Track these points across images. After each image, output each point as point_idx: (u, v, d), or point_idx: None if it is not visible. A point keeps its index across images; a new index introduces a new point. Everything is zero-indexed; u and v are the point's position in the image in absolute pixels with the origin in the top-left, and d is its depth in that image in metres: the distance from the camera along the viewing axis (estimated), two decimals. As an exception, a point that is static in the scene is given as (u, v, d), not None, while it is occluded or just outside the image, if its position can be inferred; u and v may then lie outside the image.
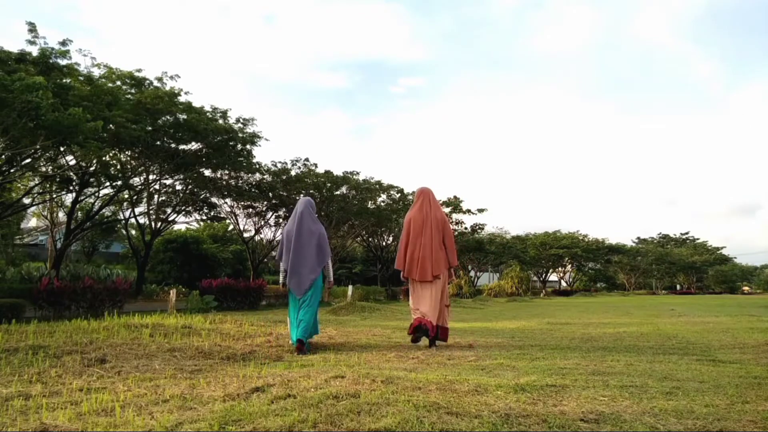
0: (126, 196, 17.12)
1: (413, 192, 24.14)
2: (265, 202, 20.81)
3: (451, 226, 5.96)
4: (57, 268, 14.16)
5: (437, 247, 5.27)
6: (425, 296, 5.21)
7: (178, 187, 18.25)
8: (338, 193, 21.27)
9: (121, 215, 19.51)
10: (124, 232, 21.76)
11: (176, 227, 23.82)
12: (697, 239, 58.54)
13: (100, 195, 16.54)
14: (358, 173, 21.55)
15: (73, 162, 13.76)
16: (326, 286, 5.45)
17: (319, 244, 5.19)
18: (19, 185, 15.17)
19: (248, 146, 16.24)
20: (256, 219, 21.84)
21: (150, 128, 13.30)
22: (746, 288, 54.38)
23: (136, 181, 16.49)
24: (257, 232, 22.36)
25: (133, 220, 19.64)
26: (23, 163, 12.02)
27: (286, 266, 5.15)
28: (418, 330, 5.05)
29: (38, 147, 10.55)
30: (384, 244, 25.78)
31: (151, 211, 18.53)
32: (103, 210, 17.56)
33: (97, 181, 14.89)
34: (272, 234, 22.78)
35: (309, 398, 2.64)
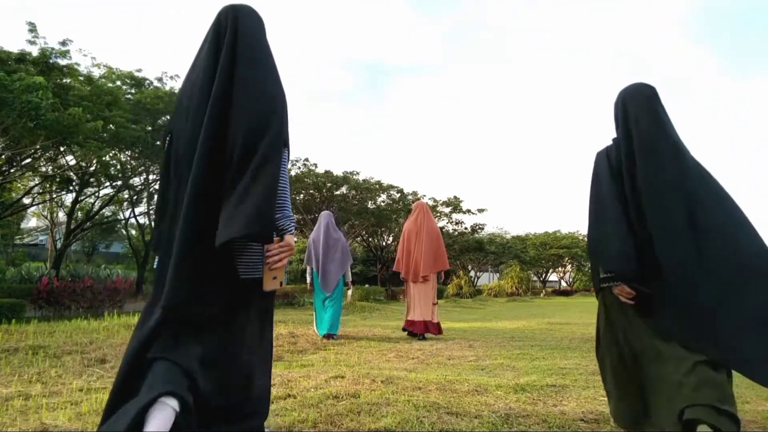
0: (126, 196, 17.12)
1: (413, 192, 24.32)
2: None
3: (443, 233, 7.10)
4: (57, 268, 14.15)
5: (428, 253, 6.17)
6: (417, 295, 6.13)
7: (178, 188, 18.25)
8: (338, 193, 21.27)
9: (121, 215, 19.50)
10: (124, 232, 21.74)
11: (176, 227, 23.79)
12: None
13: (100, 195, 16.53)
14: (358, 173, 21.57)
15: (73, 162, 13.75)
16: (346, 288, 6.48)
17: (343, 251, 6.25)
18: (19, 185, 15.17)
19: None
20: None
21: (150, 128, 13.29)
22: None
23: (136, 181, 16.47)
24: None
25: (133, 220, 19.62)
26: (23, 163, 12.01)
27: (315, 268, 6.15)
28: (416, 333, 6.03)
29: (38, 147, 10.55)
30: (384, 244, 25.75)
31: (151, 211, 18.53)
32: (103, 210, 17.55)
33: (97, 181, 14.88)
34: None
35: (309, 398, 2.64)
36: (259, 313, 1.65)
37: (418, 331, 6.00)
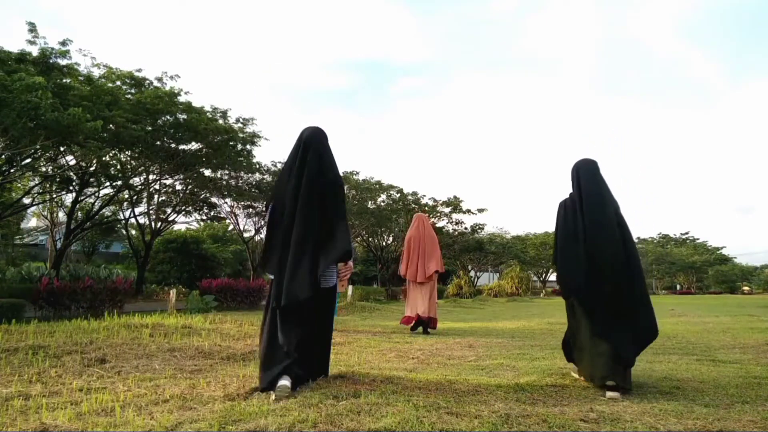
0: (126, 196, 17.11)
1: (413, 192, 24.31)
2: (265, 202, 20.75)
3: (442, 233, 7.87)
4: (57, 268, 14.16)
5: (429, 257, 7.12)
6: (421, 294, 6.96)
7: (178, 187, 18.23)
8: (338, 193, 21.21)
9: (121, 215, 19.49)
10: (124, 232, 21.72)
11: (176, 227, 23.75)
12: (697, 239, 58.41)
13: (100, 195, 16.52)
14: (358, 173, 21.57)
15: (73, 162, 13.75)
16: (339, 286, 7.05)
17: None
18: (19, 185, 15.16)
19: (248, 146, 16.20)
20: (256, 219, 21.81)
21: (150, 128, 13.28)
22: (746, 288, 54.04)
23: (136, 181, 16.47)
24: (257, 232, 22.33)
25: (133, 220, 19.61)
26: (23, 163, 12.01)
27: None
28: (416, 325, 6.85)
29: (38, 147, 10.54)
30: (384, 244, 25.72)
31: (151, 211, 18.52)
32: (103, 210, 17.54)
33: (97, 181, 14.87)
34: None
35: (309, 398, 2.64)
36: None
37: (427, 325, 6.78)
